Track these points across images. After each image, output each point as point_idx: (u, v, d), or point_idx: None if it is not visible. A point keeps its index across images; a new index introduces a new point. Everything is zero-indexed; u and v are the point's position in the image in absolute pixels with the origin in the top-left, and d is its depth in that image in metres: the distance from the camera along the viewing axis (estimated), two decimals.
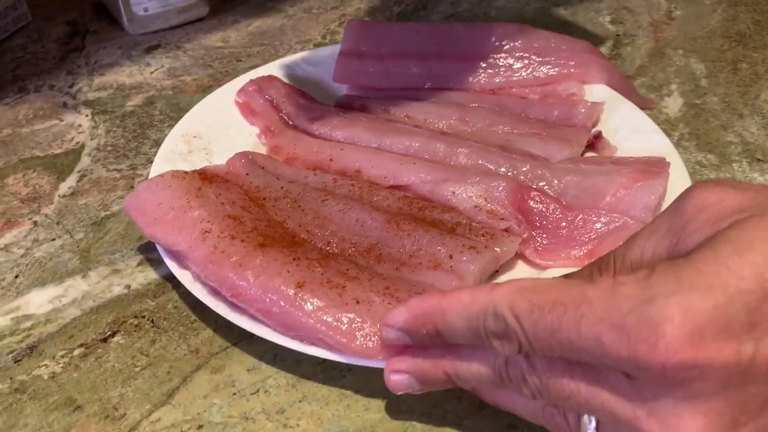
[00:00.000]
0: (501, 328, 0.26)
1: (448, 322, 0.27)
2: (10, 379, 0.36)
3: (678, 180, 0.42)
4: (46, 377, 0.36)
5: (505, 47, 0.54)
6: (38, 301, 0.40)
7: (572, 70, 0.52)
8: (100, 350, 0.37)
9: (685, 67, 0.59)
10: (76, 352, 0.37)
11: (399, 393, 0.31)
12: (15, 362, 0.36)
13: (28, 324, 0.39)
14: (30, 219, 0.45)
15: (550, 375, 0.26)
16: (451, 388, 0.30)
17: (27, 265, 0.42)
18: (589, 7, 0.69)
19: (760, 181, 0.47)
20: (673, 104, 0.55)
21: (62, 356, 0.37)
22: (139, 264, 0.42)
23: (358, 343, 0.32)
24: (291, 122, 0.51)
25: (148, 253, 0.43)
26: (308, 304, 0.33)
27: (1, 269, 0.42)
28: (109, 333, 0.38)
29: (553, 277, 0.30)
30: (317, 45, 0.64)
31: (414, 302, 0.29)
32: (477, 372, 0.28)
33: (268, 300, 0.34)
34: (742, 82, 0.57)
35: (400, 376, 0.30)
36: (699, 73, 0.58)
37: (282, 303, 0.33)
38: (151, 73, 0.61)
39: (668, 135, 0.47)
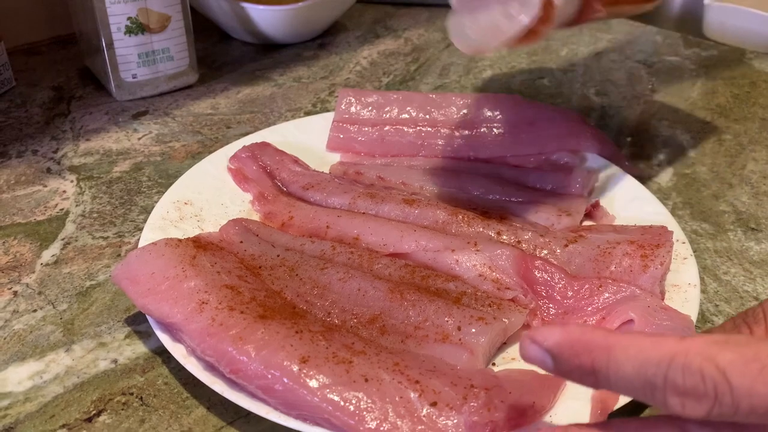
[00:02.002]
0: (692, 384, 0.22)
1: (615, 361, 0.24)
2: None
3: (679, 249, 0.42)
4: None
5: (498, 117, 0.54)
6: (17, 377, 0.37)
7: (565, 140, 0.53)
8: (84, 431, 0.34)
9: (671, 137, 0.60)
10: None
11: None
12: None
13: (5, 403, 0.36)
14: (9, 289, 0.43)
15: None
16: None
17: (5, 339, 0.40)
18: (574, 80, 0.71)
19: (756, 250, 0.47)
20: (664, 174, 0.55)
21: None
22: (126, 337, 0.40)
23: (367, 425, 0.30)
24: (285, 189, 0.50)
25: (137, 325, 0.40)
26: (313, 380, 0.31)
27: None
28: (94, 412, 0.35)
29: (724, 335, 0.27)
30: (308, 113, 0.64)
31: (574, 327, 0.25)
32: None
33: (270, 376, 0.32)
34: (728, 153, 0.58)
35: None
36: (686, 143, 0.59)
37: (285, 380, 0.31)
38: (139, 139, 0.60)
39: (662, 204, 0.47)
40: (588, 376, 0.25)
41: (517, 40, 0.36)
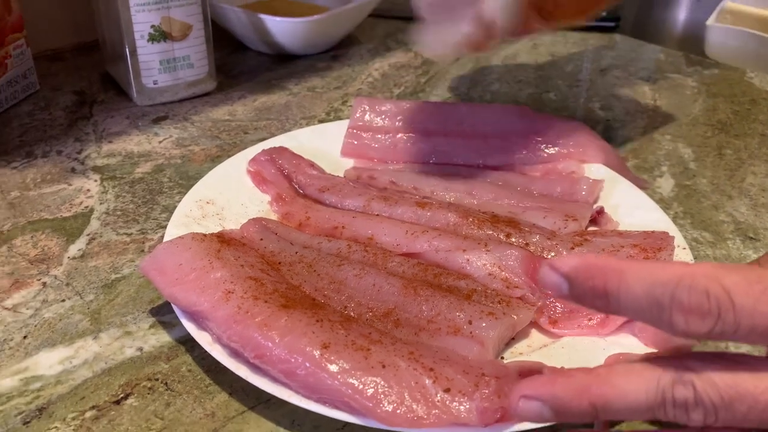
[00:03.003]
0: (697, 302, 0.24)
1: (626, 283, 0.25)
2: None
3: (680, 254, 0.44)
4: None
5: (507, 127, 0.56)
6: (47, 362, 0.39)
7: (571, 150, 0.55)
8: (113, 413, 0.36)
9: (673, 151, 0.62)
10: (88, 414, 0.36)
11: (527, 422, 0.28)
12: (24, 424, 0.35)
13: (37, 385, 0.38)
14: (39, 280, 0.45)
15: (739, 379, 0.24)
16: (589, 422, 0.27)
17: (36, 326, 0.41)
18: (579, 95, 0.73)
19: (754, 258, 0.49)
20: (666, 185, 0.57)
21: (73, 418, 0.36)
22: (151, 327, 0.42)
23: (384, 408, 0.32)
24: (302, 191, 0.52)
25: (161, 315, 0.42)
26: (334, 365, 0.33)
27: (9, 329, 0.41)
28: (122, 395, 0.37)
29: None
30: (321, 121, 0.66)
31: (590, 255, 0.27)
32: (634, 400, 0.26)
33: (293, 360, 0.33)
34: (728, 167, 0.60)
35: (531, 403, 0.27)
36: (687, 156, 0.61)
37: (307, 364, 0.33)
38: (160, 142, 0.62)
39: (664, 212, 0.49)
40: (599, 298, 0.26)
41: (467, 50, 0.45)
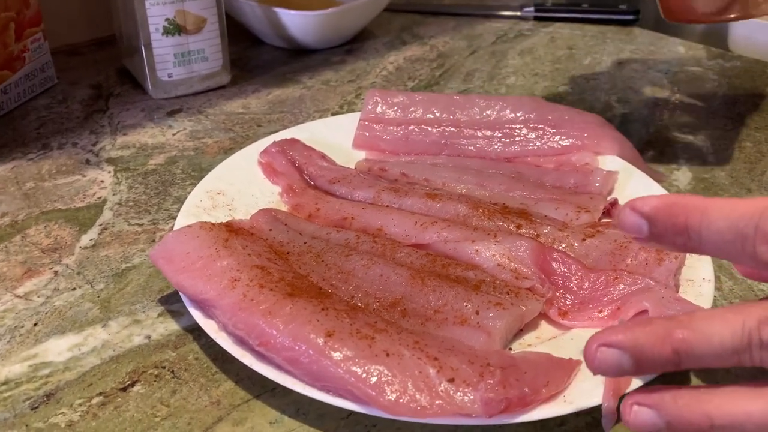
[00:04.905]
0: None
1: (707, 218, 0.26)
2: (26, 426, 0.35)
3: None
4: (63, 425, 0.35)
5: (521, 118, 0.56)
6: (57, 348, 0.39)
7: (585, 141, 0.54)
8: (119, 399, 0.36)
9: (691, 143, 0.61)
10: (95, 400, 0.36)
11: (603, 375, 0.27)
12: (32, 409, 0.36)
13: (46, 371, 0.38)
14: (50, 269, 0.45)
15: None
16: (669, 372, 0.27)
17: (46, 314, 0.42)
18: (596, 87, 0.72)
19: None
20: (683, 177, 0.56)
21: (80, 404, 0.36)
22: (159, 315, 0.42)
23: (387, 397, 0.32)
24: (312, 182, 0.52)
25: (169, 304, 0.42)
26: (337, 353, 0.33)
27: (20, 317, 0.42)
28: (128, 382, 0.37)
29: None
30: (335, 114, 0.66)
31: (671, 195, 0.27)
32: (718, 343, 0.25)
33: (297, 348, 0.33)
34: (748, 159, 0.59)
35: (610, 352, 0.26)
36: (705, 149, 0.60)
37: (311, 351, 0.33)
38: (173, 134, 0.62)
39: None
40: (680, 235, 0.26)
41: None
